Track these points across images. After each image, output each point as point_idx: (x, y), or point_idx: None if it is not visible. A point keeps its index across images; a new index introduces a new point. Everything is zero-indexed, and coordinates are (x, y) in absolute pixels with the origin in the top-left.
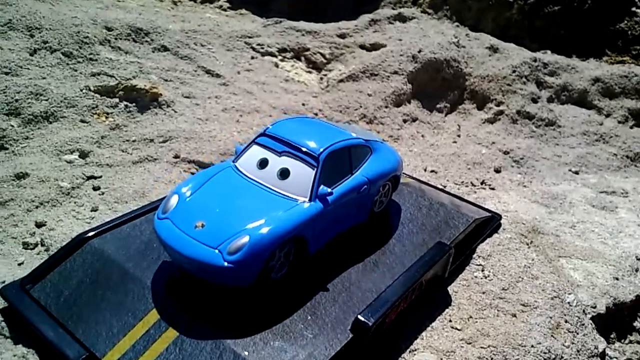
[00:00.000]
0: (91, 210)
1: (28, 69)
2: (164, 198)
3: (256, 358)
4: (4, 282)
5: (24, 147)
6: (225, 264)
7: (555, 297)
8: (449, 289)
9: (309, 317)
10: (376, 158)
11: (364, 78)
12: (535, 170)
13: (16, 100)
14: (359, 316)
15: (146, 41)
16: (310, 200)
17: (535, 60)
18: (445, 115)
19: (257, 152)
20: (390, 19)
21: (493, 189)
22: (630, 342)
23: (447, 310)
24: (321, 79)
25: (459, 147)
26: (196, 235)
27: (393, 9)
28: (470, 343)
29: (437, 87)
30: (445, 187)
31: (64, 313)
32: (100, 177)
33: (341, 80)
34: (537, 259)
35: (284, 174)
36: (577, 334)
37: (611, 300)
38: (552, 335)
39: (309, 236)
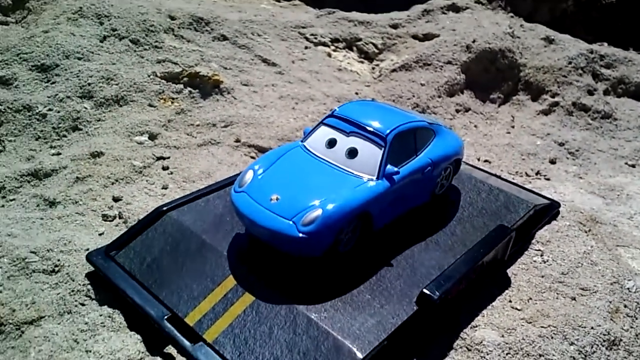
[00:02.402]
0: (162, 188)
1: (99, 54)
2: (229, 177)
3: (328, 322)
4: (87, 249)
5: (97, 129)
6: (299, 234)
7: (615, 282)
8: (508, 271)
9: (376, 289)
10: (439, 141)
11: (417, 68)
12: (591, 163)
13: (89, 84)
14: (425, 289)
15: (206, 30)
16: (377, 178)
17: (591, 52)
18: (499, 106)
19: (325, 133)
20: (444, 9)
21: (548, 179)
22: None
23: (506, 291)
24: (373, 69)
25: (513, 138)
26: (272, 207)
27: None
28: (530, 322)
29: (491, 77)
30: (498, 176)
31: (148, 277)
32: (169, 157)
33: (394, 70)
34: (596, 246)
35: (352, 153)
36: (636, 319)
37: None
38: (611, 319)
39: (374, 213)
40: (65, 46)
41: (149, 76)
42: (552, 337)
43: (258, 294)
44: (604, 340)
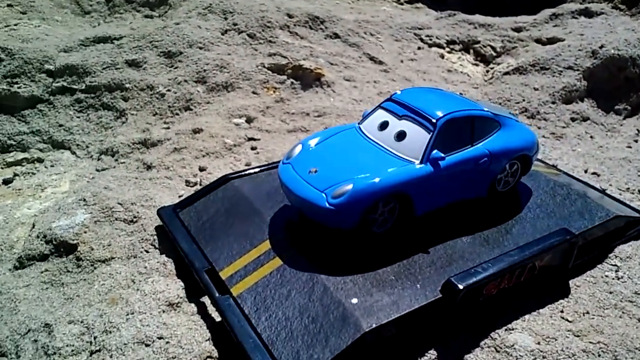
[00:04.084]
0: (245, 165)
1: (218, 45)
2: None
3: (343, 293)
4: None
5: (205, 110)
6: (327, 205)
7: None
8: (570, 282)
9: (403, 272)
10: (504, 134)
11: (533, 71)
12: None
13: (204, 71)
14: (451, 278)
15: (320, 28)
16: (421, 162)
17: None
18: (624, 119)
19: (380, 116)
20: (575, 13)
21: None
22: None
23: (561, 301)
24: (487, 72)
25: (634, 153)
26: (309, 178)
27: (580, 3)
28: (578, 336)
29: (618, 86)
30: (605, 190)
31: (200, 233)
32: (259, 139)
33: (507, 73)
34: None
35: (400, 136)
36: None
37: None
38: None
39: (415, 196)
40: (190, 37)
41: (257, 67)
42: (598, 355)
43: (287, 259)
44: None
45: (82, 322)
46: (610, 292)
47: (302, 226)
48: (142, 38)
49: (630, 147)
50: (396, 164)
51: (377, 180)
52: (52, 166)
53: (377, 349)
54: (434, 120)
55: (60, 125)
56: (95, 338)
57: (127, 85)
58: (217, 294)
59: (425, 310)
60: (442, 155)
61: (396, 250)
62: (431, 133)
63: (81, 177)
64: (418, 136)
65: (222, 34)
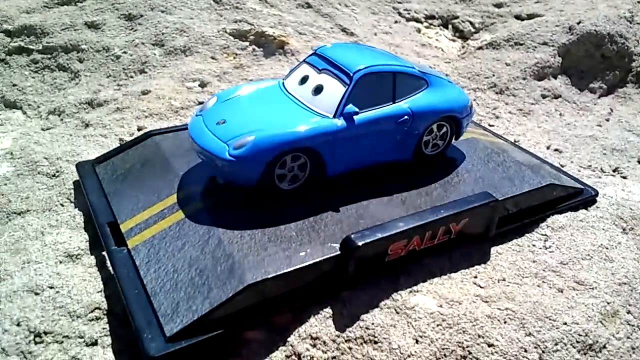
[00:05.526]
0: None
1: (181, 9)
2: None
3: (235, 247)
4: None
5: (159, 73)
6: (228, 156)
7: (625, 283)
8: (493, 249)
9: (306, 229)
10: (431, 93)
11: (507, 47)
12: None
13: (163, 34)
14: (351, 235)
15: None
16: (334, 116)
17: None
18: (599, 97)
19: (302, 70)
20: None
21: (625, 177)
22: None
23: (478, 266)
24: (463, 47)
25: (602, 131)
26: (214, 130)
27: None
28: (486, 301)
29: (594, 64)
30: (564, 166)
31: (110, 187)
32: None
33: (480, 48)
34: (625, 244)
35: (317, 90)
36: (639, 329)
37: None
38: (601, 321)
39: (326, 153)
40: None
41: (218, 32)
42: (504, 321)
43: (189, 213)
44: (577, 341)
45: None
46: (534, 261)
47: (213, 183)
48: (105, 0)
49: (600, 125)
50: (308, 118)
51: (280, 132)
52: (0, 125)
53: (266, 302)
54: (350, 74)
55: (14, 85)
56: None
57: (84, 47)
58: (112, 247)
59: (321, 267)
60: (357, 110)
61: (305, 208)
62: (347, 87)
63: (24, 135)
64: (334, 90)
65: None
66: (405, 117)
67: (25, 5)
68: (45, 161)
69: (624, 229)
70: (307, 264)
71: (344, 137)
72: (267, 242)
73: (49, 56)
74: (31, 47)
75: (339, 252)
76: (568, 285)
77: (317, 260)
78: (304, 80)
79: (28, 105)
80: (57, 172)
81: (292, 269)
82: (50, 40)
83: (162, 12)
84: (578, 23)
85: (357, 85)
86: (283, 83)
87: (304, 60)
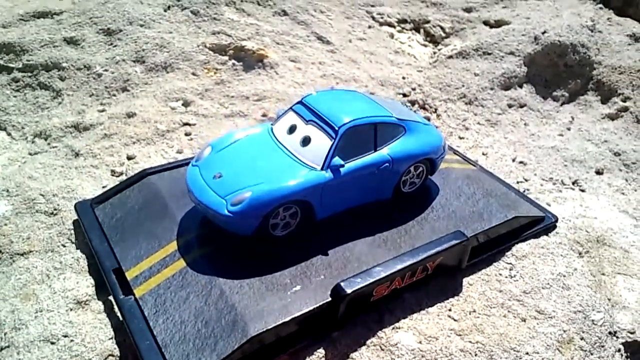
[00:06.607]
0: (176, 152)
1: (160, 23)
2: None
3: (237, 297)
4: (85, 199)
5: (142, 91)
6: (227, 212)
7: (580, 311)
8: (464, 280)
9: (299, 275)
10: (409, 138)
11: (475, 56)
12: None
13: (143, 50)
14: (341, 283)
15: (269, 5)
16: (322, 169)
17: None
18: (561, 105)
19: (290, 118)
20: None
21: (583, 190)
22: None
23: (451, 299)
24: (434, 53)
25: (563, 142)
26: (212, 184)
27: None
28: (460, 335)
29: (558, 73)
30: (528, 180)
31: (112, 231)
32: (194, 124)
33: (450, 57)
34: (580, 270)
35: (305, 141)
36: (591, 354)
37: None
38: (557, 349)
39: (315, 202)
40: (131, 13)
41: (198, 46)
42: (474, 354)
43: (190, 261)
44: None
45: None
46: (500, 291)
47: (209, 228)
48: (83, 14)
49: (561, 134)
50: (299, 170)
51: (275, 188)
52: None
53: (265, 348)
54: (336, 128)
55: None
56: (5, 334)
57: (64, 65)
58: (120, 295)
59: (315, 312)
60: (342, 162)
61: (296, 253)
62: (333, 140)
63: (13, 161)
64: (321, 142)
65: (165, 11)
66: (386, 164)
67: (2, 20)
68: (42, 198)
69: (580, 253)
70: (301, 312)
71: (331, 186)
72: (265, 290)
73: (29, 74)
74: (11, 65)
75: (330, 299)
76: (530, 314)
77: (311, 308)
78: (292, 129)
79: (12, 127)
80: (55, 209)
81: (288, 318)
82: (30, 58)
83: (141, 26)
84: (543, 33)
85: (342, 138)
86: (272, 129)
87: (290, 108)
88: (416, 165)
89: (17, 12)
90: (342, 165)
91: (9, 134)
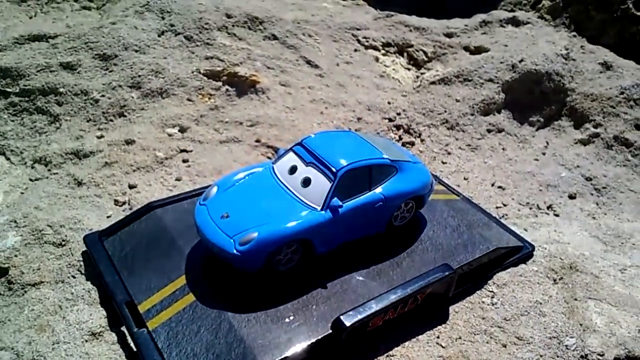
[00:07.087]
0: (175, 180)
1: (154, 48)
2: None
3: (245, 331)
4: (91, 229)
5: (138, 117)
6: (235, 251)
7: (554, 337)
8: (451, 307)
9: (301, 308)
10: (400, 178)
11: (457, 82)
12: (616, 203)
13: (139, 76)
14: (341, 316)
15: (259, 29)
16: (321, 209)
17: None
18: (537, 130)
19: (291, 159)
20: (503, 21)
21: (557, 215)
22: None
23: (439, 327)
24: (417, 77)
25: (539, 166)
26: (220, 223)
27: (511, 10)
28: None
29: (533, 100)
30: (506, 205)
31: (122, 264)
32: (191, 151)
33: (433, 82)
34: (555, 296)
35: (306, 182)
36: None
37: (624, 352)
38: None
39: (315, 240)
40: (126, 38)
41: (192, 72)
42: None
43: (199, 295)
44: None
45: (12, 349)
46: (483, 318)
47: (215, 262)
48: (78, 38)
49: (537, 159)
50: (300, 211)
51: (280, 228)
52: None
53: None
54: (334, 171)
55: None
56: None
57: (62, 90)
58: (134, 328)
59: (317, 344)
60: (341, 203)
61: (298, 287)
62: (332, 182)
63: (14, 188)
64: (321, 184)
65: (159, 36)
66: (380, 202)
67: None
68: (49, 229)
69: (554, 280)
70: (305, 345)
71: (330, 224)
72: (271, 324)
73: (27, 99)
74: (8, 89)
75: (330, 331)
76: (510, 340)
77: (314, 340)
78: (293, 170)
79: (11, 151)
80: (63, 241)
81: (294, 351)
82: (27, 83)
83: (136, 51)
84: (520, 61)
85: (340, 180)
86: (273, 168)
87: (291, 149)
88: (407, 202)
89: (12, 35)
90: (341, 206)
91: (7, 159)
